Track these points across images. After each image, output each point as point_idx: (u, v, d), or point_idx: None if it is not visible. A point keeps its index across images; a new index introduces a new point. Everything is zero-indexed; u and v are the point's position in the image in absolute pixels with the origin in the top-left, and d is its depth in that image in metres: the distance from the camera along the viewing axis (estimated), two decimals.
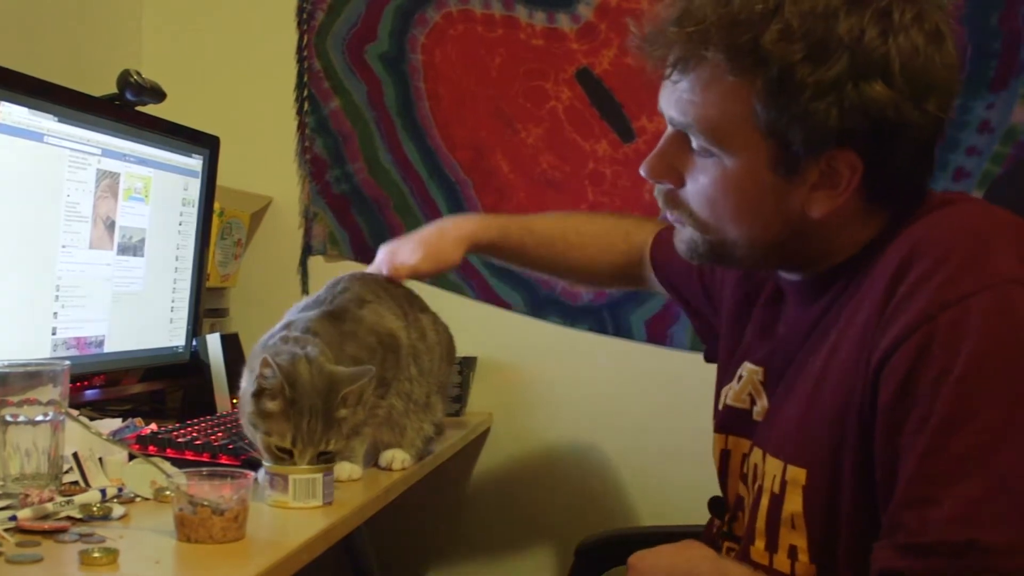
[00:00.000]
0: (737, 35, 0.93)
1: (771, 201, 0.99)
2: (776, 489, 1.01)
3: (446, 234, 1.47)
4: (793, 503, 0.98)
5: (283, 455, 1.14)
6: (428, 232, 1.49)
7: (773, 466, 1.02)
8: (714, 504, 1.18)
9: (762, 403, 1.09)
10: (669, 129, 1.04)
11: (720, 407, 1.18)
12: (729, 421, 1.15)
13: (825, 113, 0.92)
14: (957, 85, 0.97)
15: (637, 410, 2.11)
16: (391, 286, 1.43)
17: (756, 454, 1.07)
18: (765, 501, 1.02)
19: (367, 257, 2.19)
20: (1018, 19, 1.94)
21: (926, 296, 0.88)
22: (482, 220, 1.52)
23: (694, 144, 1.00)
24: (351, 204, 2.21)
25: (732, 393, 1.15)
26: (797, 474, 0.98)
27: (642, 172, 1.06)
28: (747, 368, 1.13)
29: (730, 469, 1.14)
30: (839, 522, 0.95)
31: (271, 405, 1.15)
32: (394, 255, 1.46)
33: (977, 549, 0.81)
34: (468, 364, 2.08)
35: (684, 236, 1.07)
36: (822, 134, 0.93)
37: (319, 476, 1.14)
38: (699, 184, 1.01)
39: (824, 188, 0.97)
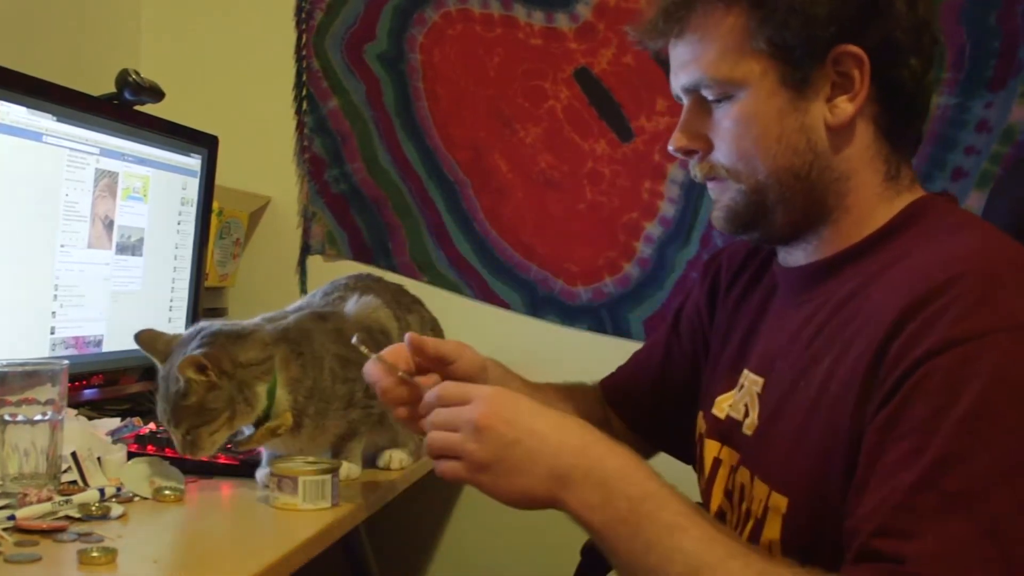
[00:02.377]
0: None
1: (792, 120, 1.00)
2: (760, 514, 0.99)
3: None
4: (772, 530, 0.97)
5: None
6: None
7: (761, 490, 1.00)
8: None
9: (753, 416, 1.06)
10: (685, 104, 1.07)
11: (722, 416, 1.13)
12: (726, 431, 1.12)
13: (813, 3, 0.97)
14: None
15: None
16: (380, 284, 1.46)
17: (744, 473, 1.05)
18: (749, 525, 1.01)
19: (365, 257, 2.21)
20: (1017, 18, 1.94)
21: (938, 333, 0.85)
22: (497, 367, 1.30)
23: (710, 97, 1.03)
24: (350, 204, 2.21)
25: (730, 403, 1.12)
26: (779, 501, 0.97)
27: (671, 149, 1.08)
28: (748, 378, 1.10)
29: (717, 479, 1.12)
30: (819, 553, 0.91)
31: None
32: None
33: None
34: None
35: (723, 202, 1.07)
36: (817, 28, 0.97)
37: (328, 478, 1.15)
38: (723, 131, 1.03)
39: (839, 95, 1.00)
